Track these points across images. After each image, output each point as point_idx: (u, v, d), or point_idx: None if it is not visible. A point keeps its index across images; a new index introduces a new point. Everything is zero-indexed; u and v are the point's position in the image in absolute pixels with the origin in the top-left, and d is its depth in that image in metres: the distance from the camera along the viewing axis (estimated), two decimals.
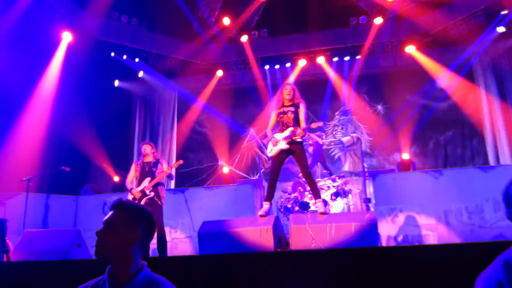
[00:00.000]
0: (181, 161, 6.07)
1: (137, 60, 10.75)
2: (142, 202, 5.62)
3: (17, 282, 3.36)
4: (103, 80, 10.99)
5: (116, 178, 10.31)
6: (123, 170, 10.59)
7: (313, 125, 5.08)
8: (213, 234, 4.73)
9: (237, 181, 9.87)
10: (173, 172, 9.26)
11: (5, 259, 5.25)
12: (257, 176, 10.39)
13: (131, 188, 5.89)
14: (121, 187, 9.75)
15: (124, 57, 10.53)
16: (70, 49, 9.67)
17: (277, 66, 11.48)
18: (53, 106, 9.31)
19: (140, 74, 11.13)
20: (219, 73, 11.60)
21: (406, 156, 10.44)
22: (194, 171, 11.50)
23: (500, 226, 6.45)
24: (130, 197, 5.90)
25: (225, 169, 10.80)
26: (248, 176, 11.56)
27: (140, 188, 5.82)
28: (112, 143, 10.76)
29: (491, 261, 1.47)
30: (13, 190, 8.03)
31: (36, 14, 8.69)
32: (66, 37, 9.50)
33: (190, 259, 3.49)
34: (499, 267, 1.42)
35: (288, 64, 11.37)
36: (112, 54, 10.42)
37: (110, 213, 1.71)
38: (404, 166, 9.36)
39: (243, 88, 11.90)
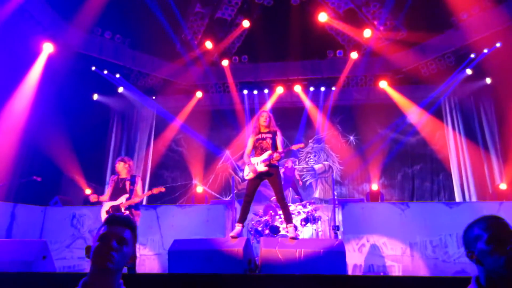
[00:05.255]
0: (162, 189, 6.11)
1: (118, 76, 10.79)
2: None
3: None
4: (82, 93, 10.95)
5: (88, 191, 10.17)
6: (96, 183, 10.47)
7: (294, 147, 5.30)
8: (183, 253, 4.76)
9: (210, 201, 9.91)
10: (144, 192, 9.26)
11: None
12: (230, 197, 10.46)
13: (104, 201, 5.87)
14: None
15: (105, 72, 10.56)
16: (50, 60, 9.63)
17: (255, 92, 11.71)
18: (29, 114, 9.19)
19: (120, 89, 11.15)
20: (199, 94, 11.74)
21: (375, 186, 10.76)
22: (168, 189, 11.48)
23: (462, 261, 6.59)
24: (103, 209, 5.87)
25: (199, 189, 10.83)
26: (220, 197, 11.62)
27: (116, 203, 5.80)
28: (87, 156, 10.65)
29: None
30: None
31: (17, 24, 8.68)
32: (47, 48, 9.48)
33: (166, 277, 3.53)
34: None
35: (266, 91, 11.64)
36: (93, 68, 10.44)
37: (123, 229, 1.72)
38: (372, 197, 9.64)
39: (221, 111, 12.07)
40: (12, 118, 9.05)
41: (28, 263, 5.03)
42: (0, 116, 9.00)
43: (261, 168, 5.10)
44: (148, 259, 7.28)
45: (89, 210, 7.76)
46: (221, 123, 12.05)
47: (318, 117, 11.79)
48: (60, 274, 3.73)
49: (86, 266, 7.59)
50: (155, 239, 7.35)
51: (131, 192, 5.87)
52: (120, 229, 1.70)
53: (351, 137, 11.86)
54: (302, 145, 5.47)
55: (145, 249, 7.32)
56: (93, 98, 11.39)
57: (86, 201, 9.92)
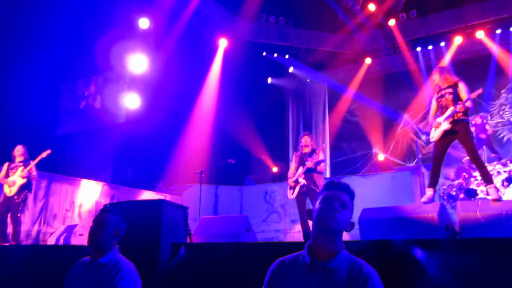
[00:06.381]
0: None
1: (287, 56, 11.24)
2: (296, 190, 5.90)
3: (202, 260, 3.86)
4: (258, 78, 11.79)
5: (275, 169, 10.95)
6: (281, 161, 11.20)
7: (473, 95, 4.68)
8: (373, 221, 4.71)
9: (394, 168, 9.56)
10: (327, 162, 9.40)
11: (188, 240, 6.06)
12: (415, 162, 9.92)
13: (289, 176, 6.23)
14: (280, 177, 10.32)
15: (275, 55, 11.12)
16: (226, 54, 10.66)
17: (430, 47, 10.78)
18: (216, 105, 10.40)
19: (291, 69, 11.60)
20: (368, 60, 11.40)
21: None
22: (349, 160, 11.52)
23: None
24: (288, 185, 6.23)
25: (380, 157, 10.57)
26: (404, 163, 11.10)
27: (295, 177, 6.10)
28: (269, 136, 11.47)
29: None
30: (188, 182, 9.21)
31: (196, 26, 9.78)
32: (222, 43, 10.52)
33: (361, 244, 3.56)
34: None
35: (442, 43, 10.58)
36: (264, 53, 11.10)
37: (342, 193, 1.76)
38: None
39: (394, 74, 11.45)
40: (204, 111, 10.34)
41: (234, 235, 5.70)
42: (194, 111, 10.38)
43: (445, 126, 4.65)
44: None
45: (278, 187, 8.33)
46: (396, 87, 11.42)
47: (510, 62, 10.14)
48: (263, 244, 4.12)
49: (282, 238, 8.22)
50: None
51: (316, 164, 6.05)
52: (340, 193, 1.77)
53: None
54: (480, 90, 4.78)
55: None
56: (267, 81, 12.13)
57: (275, 178, 10.71)
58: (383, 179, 7.47)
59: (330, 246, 1.69)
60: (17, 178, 6.28)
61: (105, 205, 2.59)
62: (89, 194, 8.33)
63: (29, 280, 4.40)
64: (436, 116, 4.91)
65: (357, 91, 11.53)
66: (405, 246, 3.17)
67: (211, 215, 8.13)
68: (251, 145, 11.10)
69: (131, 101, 9.67)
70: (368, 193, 7.39)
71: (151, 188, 9.59)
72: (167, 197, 8.81)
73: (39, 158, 6.38)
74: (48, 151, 6.40)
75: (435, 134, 4.81)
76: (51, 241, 6.58)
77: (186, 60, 9.88)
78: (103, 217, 2.42)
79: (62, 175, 7.55)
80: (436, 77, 4.87)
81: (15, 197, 6.25)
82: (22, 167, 6.33)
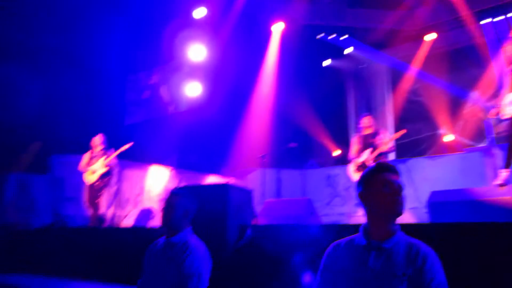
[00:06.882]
0: (404, 130, 6.02)
1: (344, 37, 10.99)
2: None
3: (268, 241, 3.95)
4: (315, 61, 11.65)
5: (336, 152, 10.83)
6: (342, 144, 11.05)
7: None
8: (444, 204, 4.59)
9: (463, 149, 9.11)
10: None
11: (253, 222, 6.21)
12: (486, 142, 9.38)
13: (353, 159, 6.16)
14: (342, 160, 10.21)
15: (332, 36, 10.90)
16: (282, 38, 10.62)
17: (499, 18, 10.02)
18: (275, 90, 10.44)
19: (349, 50, 11.33)
20: (431, 36, 10.82)
21: None
22: (413, 142, 11.11)
23: None
24: (351, 168, 6.18)
25: (448, 138, 10.10)
26: (474, 144, 10.52)
27: (361, 159, 6.02)
28: (329, 119, 11.34)
29: None
30: (251, 166, 9.38)
31: (251, 11, 9.81)
32: (278, 27, 10.51)
33: (428, 227, 3.49)
34: None
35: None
36: (320, 35, 10.91)
37: (397, 175, 1.78)
38: None
39: (460, 49, 10.81)
40: (263, 96, 10.42)
41: (298, 218, 5.77)
42: (254, 96, 10.49)
43: None
44: (404, 213, 7.27)
45: (341, 170, 8.26)
46: (462, 63, 10.78)
47: None
48: (327, 226, 4.13)
49: (346, 220, 8.17)
50: (409, 193, 7.27)
51: (376, 146, 5.95)
52: (395, 176, 1.78)
53: None
54: None
55: None
56: (325, 64, 11.94)
57: (337, 162, 10.62)
58: (452, 161, 7.16)
59: (387, 228, 1.72)
60: (99, 168, 6.77)
61: (173, 188, 2.74)
62: (157, 179, 8.76)
63: (112, 260, 4.75)
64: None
65: (420, 69, 11.02)
66: (480, 229, 3.05)
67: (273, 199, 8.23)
68: (311, 128, 11.06)
69: (192, 89, 10.00)
70: (436, 175, 7.14)
71: (215, 172, 9.89)
72: (231, 181, 9.04)
73: (120, 150, 6.83)
74: (130, 144, 6.81)
75: (508, 111, 4.54)
76: (125, 223, 7.02)
77: (243, 46, 9.97)
78: (172, 199, 2.57)
79: (132, 162, 7.98)
80: (509, 48, 4.58)
81: (96, 184, 6.76)
82: (103, 157, 6.80)
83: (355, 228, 1.85)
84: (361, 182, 1.83)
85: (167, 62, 10.72)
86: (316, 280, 1.82)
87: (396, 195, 1.71)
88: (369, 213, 1.78)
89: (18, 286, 4.36)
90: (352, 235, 1.83)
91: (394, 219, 1.73)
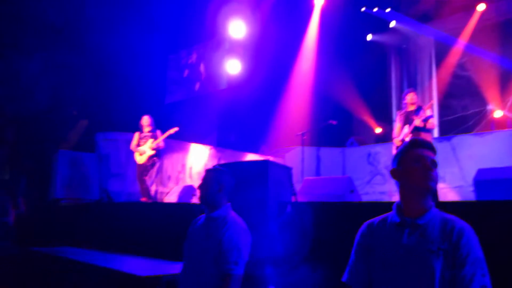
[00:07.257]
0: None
1: (388, 10, 10.57)
2: None
3: (307, 218, 3.96)
4: (357, 36, 11.31)
5: (378, 130, 10.59)
6: (384, 122, 10.79)
7: None
8: (492, 182, 4.42)
9: None
10: (435, 121, 8.88)
11: (293, 200, 6.24)
12: None
13: (395, 137, 6.01)
14: (384, 138, 9.99)
15: (375, 9, 10.52)
16: (323, 12, 10.36)
17: None
18: (315, 66, 10.28)
19: (392, 24, 10.91)
20: (481, 7, 10.18)
21: None
22: (459, 119, 10.67)
23: None
24: (394, 146, 6.04)
25: (497, 113, 9.61)
26: None
27: (401, 137, 5.86)
28: (371, 96, 11.06)
29: None
30: (290, 144, 9.37)
31: None
32: (319, 1, 10.24)
33: (474, 205, 3.38)
34: None
35: None
36: (363, 8, 10.56)
37: (431, 152, 1.74)
38: None
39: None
40: (303, 72, 10.29)
41: (338, 196, 5.73)
42: (294, 73, 10.38)
43: None
44: (449, 192, 7.08)
45: (382, 148, 8.09)
46: None
47: None
48: (368, 203, 4.10)
49: (387, 199, 8.05)
50: (453, 172, 7.04)
51: (424, 121, 5.74)
52: (428, 152, 1.74)
53: None
54: None
55: (444, 182, 7.13)
56: (367, 39, 11.59)
57: (378, 139, 10.40)
58: (501, 138, 6.83)
59: (421, 205, 1.68)
60: (147, 149, 7.03)
61: (213, 166, 2.79)
62: (198, 157, 8.93)
63: (156, 236, 4.93)
64: None
65: (468, 42, 10.42)
66: None
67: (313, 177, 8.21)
68: (352, 105, 10.85)
69: (232, 67, 10.01)
70: (483, 153, 6.86)
71: (255, 150, 9.96)
72: (270, 159, 9.09)
73: (167, 133, 7.04)
74: (176, 129, 7.01)
75: None
76: (168, 199, 7.24)
77: (284, 21, 9.84)
78: (206, 175, 2.63)
79: (173, 140, 8.17)
80: None
81: (145, 164, 7.04)
82: (151, 139, 7.03)
83: (390, 206, 1.83)
84: (395, 159, 1.80)
85: (207, 39, 10.76)
86: (350, 259, 1.83)
87: (428, 170, 1.67)
88: (401, 189, 1.75)
89: (66, 259, 4.60)
90: (386, 214, 1.81)
91: (427, 195, 1.68)
